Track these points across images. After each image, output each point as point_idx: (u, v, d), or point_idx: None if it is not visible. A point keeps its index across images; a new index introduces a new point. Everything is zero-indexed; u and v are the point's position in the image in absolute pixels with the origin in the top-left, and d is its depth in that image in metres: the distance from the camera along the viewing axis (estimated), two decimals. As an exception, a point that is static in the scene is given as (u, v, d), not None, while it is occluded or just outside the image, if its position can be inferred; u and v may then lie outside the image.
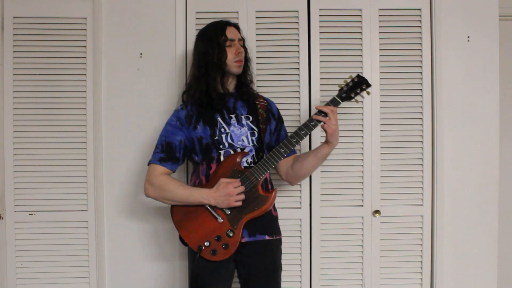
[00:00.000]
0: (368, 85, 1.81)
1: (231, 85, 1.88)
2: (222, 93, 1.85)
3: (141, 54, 2.19)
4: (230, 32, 1.82)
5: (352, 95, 1.80)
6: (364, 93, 1.82)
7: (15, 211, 2.19)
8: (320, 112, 1.75)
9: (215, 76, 1.81)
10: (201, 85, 1.81)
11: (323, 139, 1.81)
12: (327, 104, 1.78)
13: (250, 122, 1.85)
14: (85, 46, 2.17)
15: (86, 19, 2.17)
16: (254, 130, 1.85)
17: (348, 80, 1.81)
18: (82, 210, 2.19)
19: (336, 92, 1.81)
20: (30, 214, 2.18)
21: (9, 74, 2.17)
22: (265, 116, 1.88)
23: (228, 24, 1.84)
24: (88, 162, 2.18)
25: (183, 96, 1.92)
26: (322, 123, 1.75)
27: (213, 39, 1.80)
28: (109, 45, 2.19)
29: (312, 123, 1.76)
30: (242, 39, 1.89)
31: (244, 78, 1.90)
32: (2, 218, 2.19)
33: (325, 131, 1.76)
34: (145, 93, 2.19)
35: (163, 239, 2.19)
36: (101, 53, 2.17)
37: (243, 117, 1.85)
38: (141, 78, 2.19)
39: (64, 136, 2.18)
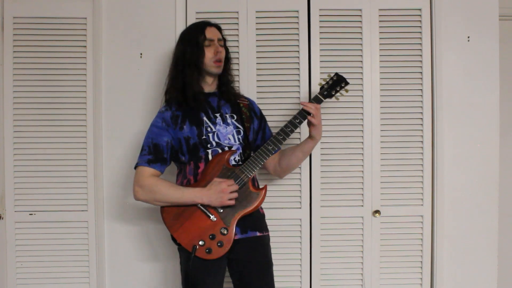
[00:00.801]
0: (347, 83, 1.91)
1: (213, 85, 1.89)
2: (205, 92, 1.86)
3: (141, 54, 2.19)
4: (210, 32, 1.83)
5: (333, 93, 1.91)
6: (343, 91, 1.91)
7: (15, 211, 2.19)
8: (304, 110, 1.83)
9: (191, 75, 1.82)
10: (177, 84, 1.83)
11: None
12: (310, 101, 1.86)
13: (234, 120, 1.87)
14: (85, 46, 2.17)
15: (86, 19, 2.17)
16: (240, 128, 1.87)
17: (328, 79, 1.91)
18: (82, 210, 2.19)
19: (318, 90, 1.90)
20: (30, 214, 2.19)
21: (9, 74, 2.17)
22: (248, 114, 1.92)
23: (208, 25, 1.85)
24: (88, 162, 2.18)
25: (166, 96, 1.91)
26: (307, 120, 1.82)
27: (193, 39, 1.82)
28: (109, 45, 2.19)
29: (297, 120, 1.83)
30: (223, 39, 1.90)
31: (224, 78, 1.91)
32: (2, 218, 2.19)
33: (309, 126, 1.83)
34: (145, 93, 2.19)
35: (164, 238, 2.19)
36: (101, 53, 2.17)
37: (227, 116, 1.87)
38: (141, 78, 2.19)
39: (64, 136, 2.18)
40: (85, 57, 2.17)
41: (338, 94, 1.90)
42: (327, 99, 1.89)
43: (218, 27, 1.89)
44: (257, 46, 2.18)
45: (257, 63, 2.17)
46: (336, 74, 1.91)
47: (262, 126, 1.98)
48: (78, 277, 2.20)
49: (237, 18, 2.17)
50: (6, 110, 2.18)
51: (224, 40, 1.91)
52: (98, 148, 2.17)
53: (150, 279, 2.22)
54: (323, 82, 1.91)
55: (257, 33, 2.18)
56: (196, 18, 2.17)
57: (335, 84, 1.90)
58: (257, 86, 2.18)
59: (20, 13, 2.17)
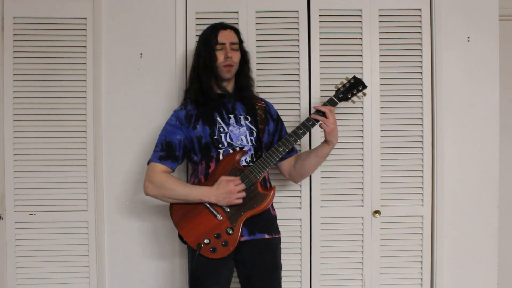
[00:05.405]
0: (364, 86, 1.85)
1: (229, 86, 1.88)
2: (221, 93, 1.87)
3: (141, 54, 2.19)
4: (222, 36, 1.82)
5: (349, 96, 1.84)
6: (360, 94, 1.86)
7: (15, 211, 2.19)
8: (318, 111, 1.79)
9: (207, 78, 1.83)
10: (195, 85, 1.85)
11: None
12: (325, 104, 1.82)
13: (248, 122, 1.87)
14: (85, 46, 2.17)
15: (86, 19, 2.17)
16: (253, 130, 1.86)
17: (345, 81, 1.86)
18: (82, 210, 2.19)
19: (333, 93, 1.85)
20: (30, 214, 2.18)
21: (9, 74, 2.17)
22: (264, 116, 1.90)
23: (222, 28, 1.84)
24: (88, 162, 2.18)
25: (186, 94, 1.94)
26: (320, 123, 1.78)
27: (206, 42, 1.83)
28: (109, 45, 2.19)
29: (310, 123, 1.79)
30: (238, 42, 1.87)
31: (243, 81, 1.90)
32: (2, 218, 2.19)
33: (324, 130, 1.79)
34: (145, 93, 2.19)
35: (162, 238, 2.19)
36: (101, 53, 2.17)
37: (241, 117, 1.87)
38: (141, 78, 2.19)
39: (64, 136, 2.18)
40: (85, 57, 2.17)
41: (354, 97, 1.85)
42: (343, 102, 1.84)
43: (234, 30, 1.87)
44: (257, 46, 2.18)
45: (257, 63, 2.17)
46: (354, 77, 1.85)
47: (279, 128, 1.96)
48: (78, 277, 2.20)
49: (237, 18, 2.17)
50: (6, 110, 2.18)
51: (241, 42, 1.89)
52: (98, 148, 2.17)
53: (150, 278, 2.21)
54: (340, 85, 1.85)
55: (257, 33, 2.18)
56: (196, 18, 2.17)
57: (352, 87, 1.83)
58: (257, 86, 2.17)
59: (20, 13, 2.17)
